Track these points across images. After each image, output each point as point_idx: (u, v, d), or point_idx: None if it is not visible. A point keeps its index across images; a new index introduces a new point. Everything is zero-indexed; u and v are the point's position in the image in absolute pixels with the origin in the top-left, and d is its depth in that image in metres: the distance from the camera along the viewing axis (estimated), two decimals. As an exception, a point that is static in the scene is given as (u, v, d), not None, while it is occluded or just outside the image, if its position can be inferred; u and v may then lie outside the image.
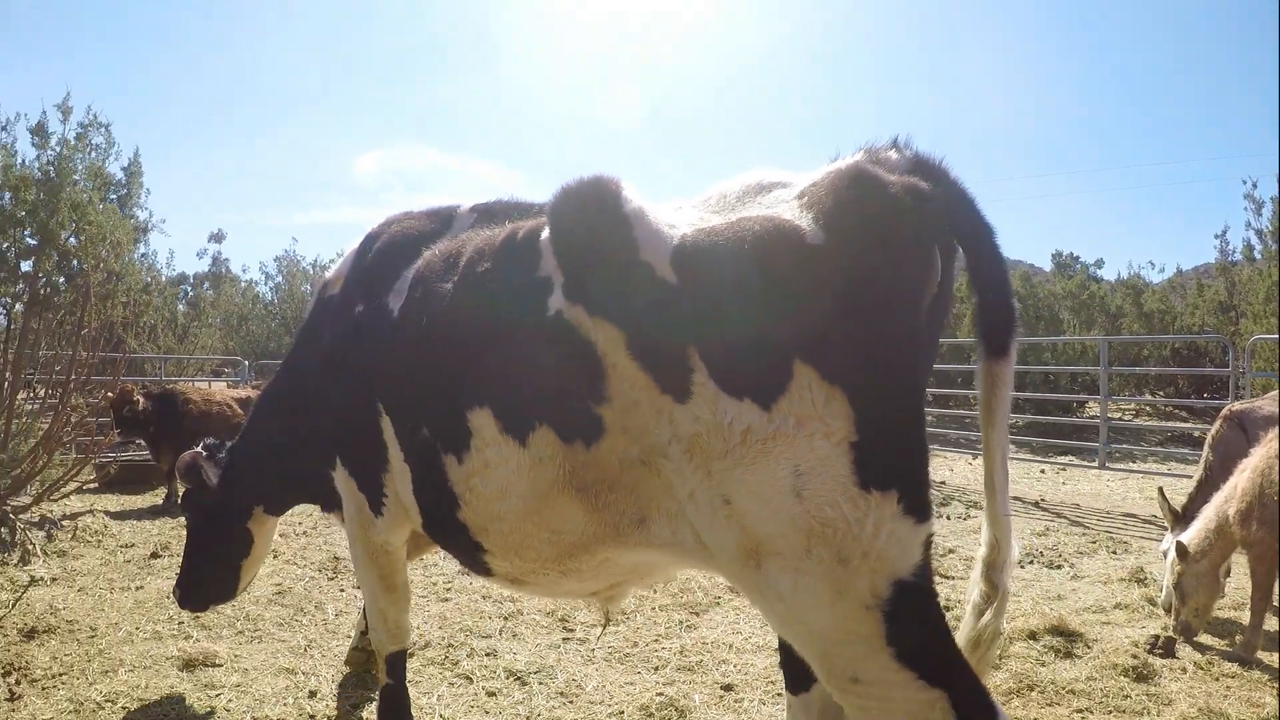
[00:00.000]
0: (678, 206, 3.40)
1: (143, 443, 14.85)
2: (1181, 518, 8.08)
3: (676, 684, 6.27)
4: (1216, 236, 33.11)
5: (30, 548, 9.67)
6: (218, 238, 25.27)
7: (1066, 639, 6.90)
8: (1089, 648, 6.81)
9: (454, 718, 5.79)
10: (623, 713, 5.86)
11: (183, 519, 11.97)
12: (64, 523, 10.94)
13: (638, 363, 3.13)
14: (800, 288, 2.91)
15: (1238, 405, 9.14)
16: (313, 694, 6.12)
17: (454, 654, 6.87)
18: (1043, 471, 17.60)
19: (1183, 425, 21.64)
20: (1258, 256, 28.08)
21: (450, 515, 3.98)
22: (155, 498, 14.27)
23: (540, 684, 6.31)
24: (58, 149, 14.36)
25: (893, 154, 3.20)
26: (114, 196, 15.47)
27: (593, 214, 3.31)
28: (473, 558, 4.15)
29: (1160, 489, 8.89)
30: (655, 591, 8.33)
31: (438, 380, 3.91)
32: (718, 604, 8.07)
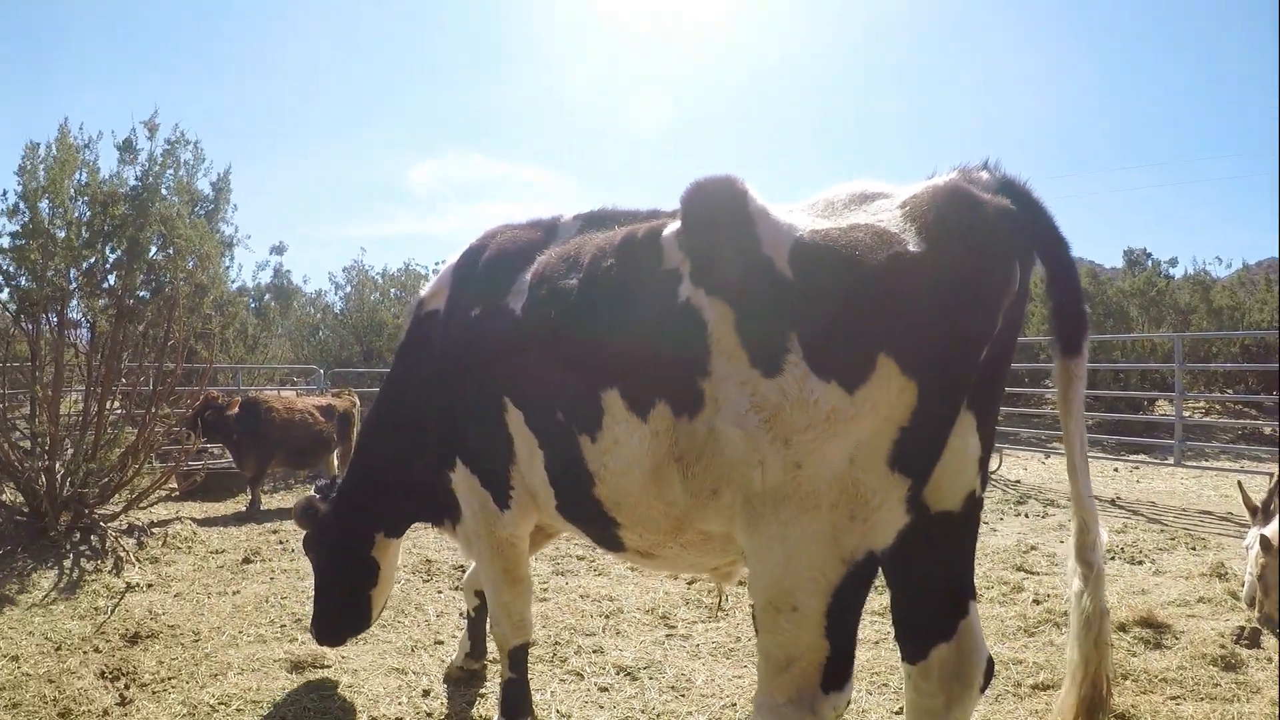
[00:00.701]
0: (790, 209, 3.77)
1: (225, 449, 15.09)
2: (1261, 512, 8.08)
3: None
4: (1283, 230, 32.33)
5: (123, 555, 9.87)
6: (279, 250, 25.67)
7: (1155, 631, 7.02)
8: (1177, 639, 6.90)
9: (570, 713, 5.91)
10: (735, 704, 5.97)
11: (269, 525, 12.35)
12: (153, 530, 11.14)
13: (740, 340, 3.53)
14: (898, 290, 3.30)
15: (1316, 402, 9.12)
16: (426, 693, 6.27)
17: (561, 651, 7.00)
18: (1116, 470, 17.44)
19: (1253, 422, 21.38)
20: (1326, 250, 27.60)
21: (586, 493, 4.30)
22: (238, 505, 14.45)
23: (650, 679, 6.44)
24: (145, 164, 14.65)
25: (984, 174, 3.61)
26: (201, 212, 15.70)
27: (722, 209, 3.71)
28: (607, 533, 4.48)
29: (1240, 483, 8.90)
30: (724, 598, 8.40)
31: (571, 366, 4.23)
32: (811, 600, 8.04)
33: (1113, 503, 13.83)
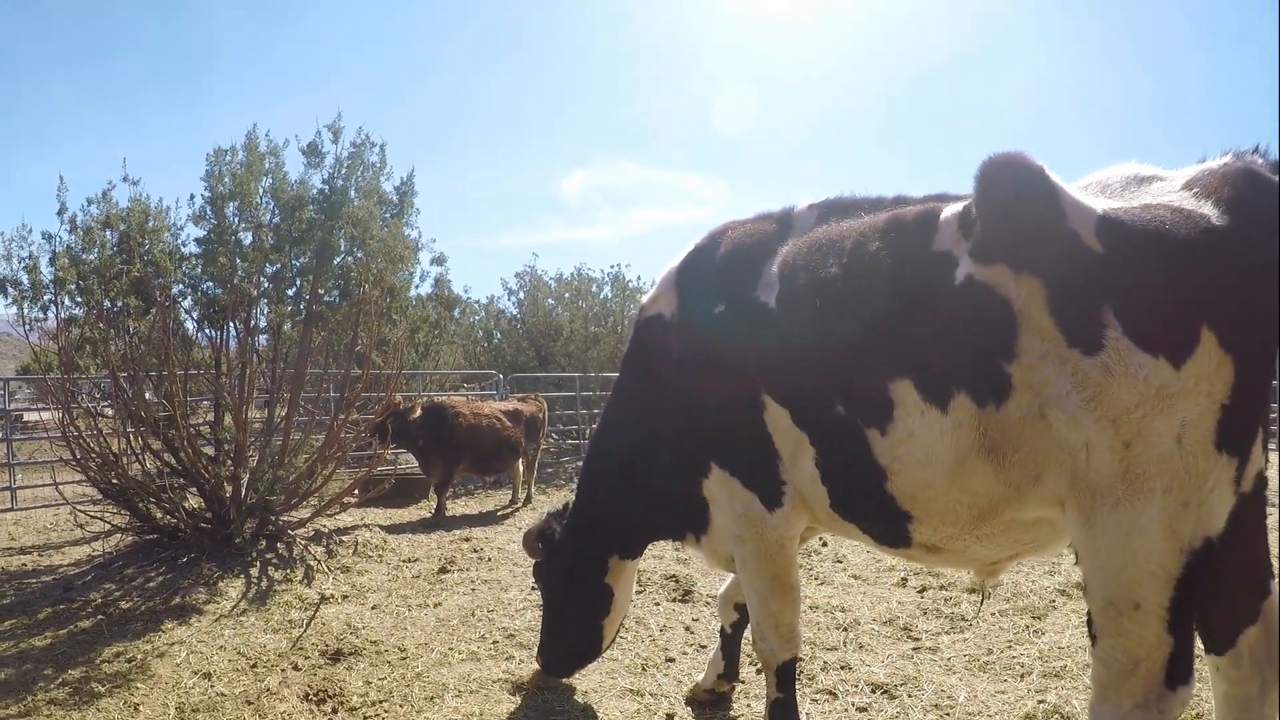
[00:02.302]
0: (1071, 188, 3.76)
1: (403, 455, 14.99)
2: None
3: (1051, 690, 5.94)
4: None
5: (313, 564, 9.55)
6: (439, 260, 25.75)
7: None
8: None
9: (834, 736, 5.49)
10: (1006, 722, 5.63)
11: (460, 533, 12.13)
12: (342, 538, 10.82)
13: (1053, 317, 3.51)
14: (1208, 263, 3.34)
15: None
16: (669, 717, 5.91)
17: (807, 668, 6.50)
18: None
19: None
20: None
21: (875, 488, 4.20)
22: (421, 511, 14.31)
23: (909, 696, 6.02)
24: (332, 168, 14.60)
25: (1258, 159, 3.58)
26: (388, 214, 15.65)
27: (1023, 183, 3.65)
28: (896, 529, 4.34)
29: None
30: (987, 598, 8.00)
31: (850, 358, 4.17)
32: (1054, 607, 7.69)
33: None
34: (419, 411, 13.98)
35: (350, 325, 12.31)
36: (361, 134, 15.21)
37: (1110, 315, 3.39)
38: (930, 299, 3.86)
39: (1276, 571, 3.79)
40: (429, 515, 13.74)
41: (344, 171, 14.64)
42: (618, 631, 6.42)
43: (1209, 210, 3.41)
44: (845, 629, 7.41)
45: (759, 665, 5.41)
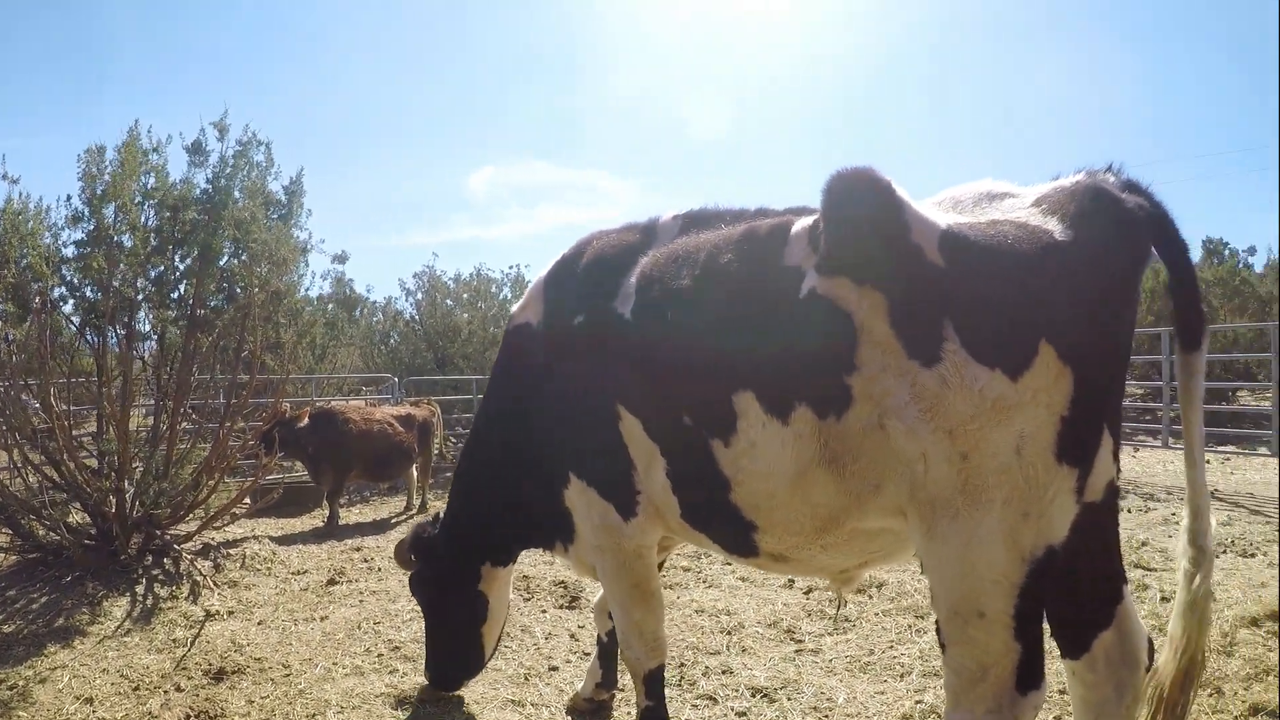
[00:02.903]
0: (921, 204, 3.81)
1: (296, 463, 14.72)
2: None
3: (930, 690, 6.05)
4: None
5: (200, 579, 9.33)
6: (341, 259, 25.26)
7: (1287, 625, 6.73)
8: (1310, 632, 6.58)
9: (712, 741, 5.51)
10: (883, 723, 5.67)
11: (351, 543, 11.96)
12: (229, 551, 10.57)
13: (893, 330, 3.55)
14: (1049, 278, 3.42)
15: None
16: None
17: (688, 673, 6.60)
18: (1207, 461, 16.41)
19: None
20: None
21: (720, 498, 4.25)
22: (314, 520, 14.02)
23: (789, 699, 6.07)
24: (216, 167, 14.25)
25: (1110, 176, 3.72)
26: (275, 216, 15.33)
27: (868, 197, 3.67)
28: (742, 538, 4.39)
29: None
30: (871, 598, 8.13)
31: (696, 369, 4.22)
32: (938, 606, 7.67)
33: (1213, 494, 13.11)
34: (307, 419, 13.72)
35: (236, 330, 12.07)
36: (248, 132, 14.95)
37: (949, 328, 3.45)
38: (775, 311, 3.91)
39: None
40: (322, 524, 13.50)
41: (229, 171, 14.33)
42: (500, 639, 6.41)
43: (1053, 225, 3.51)
44: (729, 632, 7.46)
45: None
